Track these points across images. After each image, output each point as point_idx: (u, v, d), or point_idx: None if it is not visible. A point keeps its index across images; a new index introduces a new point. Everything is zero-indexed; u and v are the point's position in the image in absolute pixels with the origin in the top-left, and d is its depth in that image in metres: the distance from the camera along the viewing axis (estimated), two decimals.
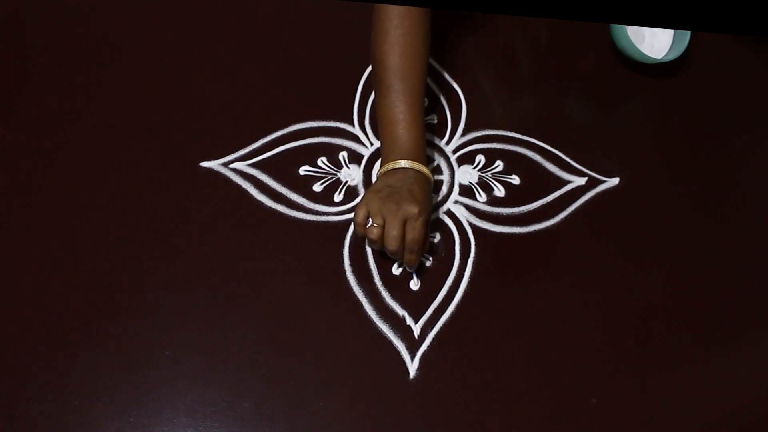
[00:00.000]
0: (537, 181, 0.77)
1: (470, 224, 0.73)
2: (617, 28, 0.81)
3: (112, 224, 0.71)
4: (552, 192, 0.76)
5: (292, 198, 0.74)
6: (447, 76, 0.83)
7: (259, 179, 0.74)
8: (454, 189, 0.76)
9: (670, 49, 0.83)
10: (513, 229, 0.73)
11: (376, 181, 0.68)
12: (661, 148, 0.80)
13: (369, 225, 0.64)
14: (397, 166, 0.66)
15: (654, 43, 0.84)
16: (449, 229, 0.73)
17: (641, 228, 0.75)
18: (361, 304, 0.68)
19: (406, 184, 0.65)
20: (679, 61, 0.82)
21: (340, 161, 0.76)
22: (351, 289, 0.69)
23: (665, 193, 0.77)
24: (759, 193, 0.78)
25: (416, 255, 0.65)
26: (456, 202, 0.75)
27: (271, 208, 0.73)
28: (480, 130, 0.80)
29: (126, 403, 0.62)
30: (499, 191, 0.76)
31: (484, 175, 0.77)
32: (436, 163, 0.77)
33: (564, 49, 0.88)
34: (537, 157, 0.78)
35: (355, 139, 0.78)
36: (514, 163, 0.78)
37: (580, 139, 0.80)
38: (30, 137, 0.76)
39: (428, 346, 0.66)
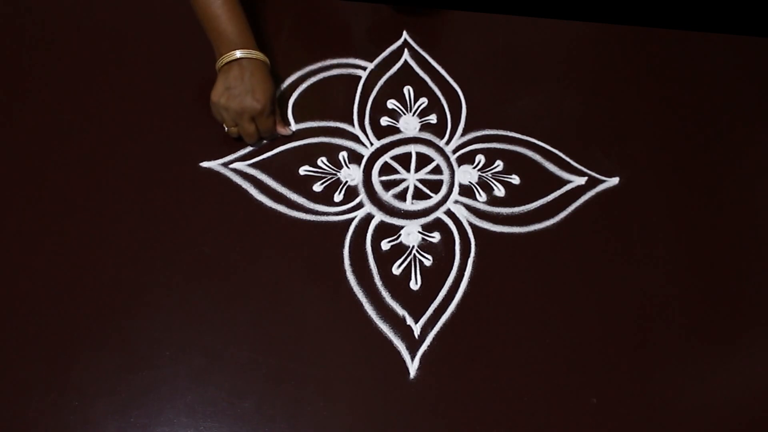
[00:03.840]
0: (537, 181, 0.77)
1: (470, 224, 0.73)
2: None
3: (112, 224, 0.71)
4: (552, 192, 0.76)
5: (292, 198, 0.74)
6: (447, 76, 0.84)
7: (259, 179, 0.74)
8: (454, 189, 0.76)
9: None
10: (513, 229, 0.73)
11: (216, 83, 0.72)
12: (662, 147, 0.81)
13: (227, 129, 0.74)
14: (232, 59, 0.71)
15: None
16: (449, 229, 0.73)
17: (641, 228, 0.75)
18: (361, 304, 0.68)
19: (244, 79, 0.71)
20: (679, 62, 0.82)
21: (339, 161, 0.76)
22: (351, 289, 0.69)
23: (665, 193, 0.77)
24: (759, 192, 0.78)
25: (272, 135, 0.77)
26: (456, 201, 0.75)
27: (271, 208, 0.73)
28: (480, 129, 0.80)
29: (126, 403, 0.62)
30: (499, 191, 0.76)
31: (484, 174, 0.77)
32: (435, 163, 0.77)
33: (564, 48, 0.88)
34: (537, 157, 0.78)
35: (355, 139, 0.78)
36: (514, 163, 0.78)
37: (580, 139, 0.80)
38: (30, 137, 0.76)
39: (428, 346, 0.66)
